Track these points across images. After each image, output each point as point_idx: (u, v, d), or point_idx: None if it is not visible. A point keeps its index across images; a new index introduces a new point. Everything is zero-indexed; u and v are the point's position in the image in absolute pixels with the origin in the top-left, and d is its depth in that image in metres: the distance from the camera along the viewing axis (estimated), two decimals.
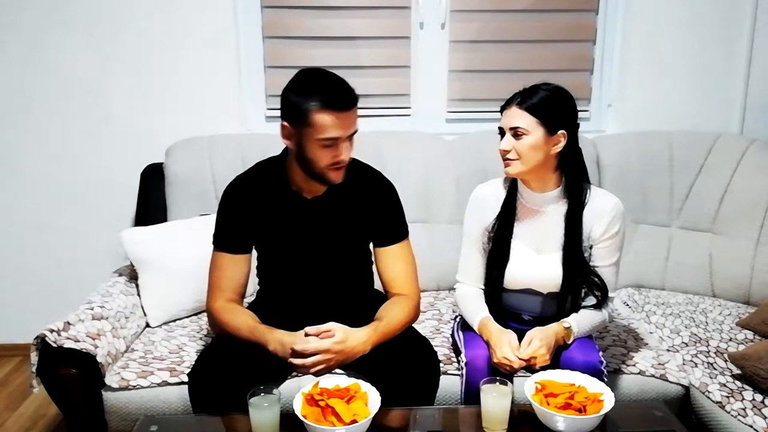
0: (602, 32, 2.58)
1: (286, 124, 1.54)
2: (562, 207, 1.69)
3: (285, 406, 1.39)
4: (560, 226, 1.69)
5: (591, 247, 1.69)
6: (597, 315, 1.69)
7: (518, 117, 1.60)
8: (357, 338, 1.54)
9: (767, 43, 2.52)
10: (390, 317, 1.63)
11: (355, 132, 1.57)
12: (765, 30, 2.51)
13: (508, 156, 1.63)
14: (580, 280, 1.68)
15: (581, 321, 1.66)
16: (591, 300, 1.70)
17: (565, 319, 1.66)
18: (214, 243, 1.69)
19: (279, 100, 1.57)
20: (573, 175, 1.68)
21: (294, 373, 1.68)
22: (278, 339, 1.53)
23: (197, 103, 2.49)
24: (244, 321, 1.61)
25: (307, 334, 1.53)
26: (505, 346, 1.56)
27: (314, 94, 1.49)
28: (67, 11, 2.38)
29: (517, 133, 1.61)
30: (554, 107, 1.61)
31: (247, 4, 2.46)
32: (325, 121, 1.49)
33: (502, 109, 1.66)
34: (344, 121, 1.51)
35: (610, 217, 1.67)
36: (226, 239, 1.68)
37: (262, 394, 1.36)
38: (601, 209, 1.67)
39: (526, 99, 1.61)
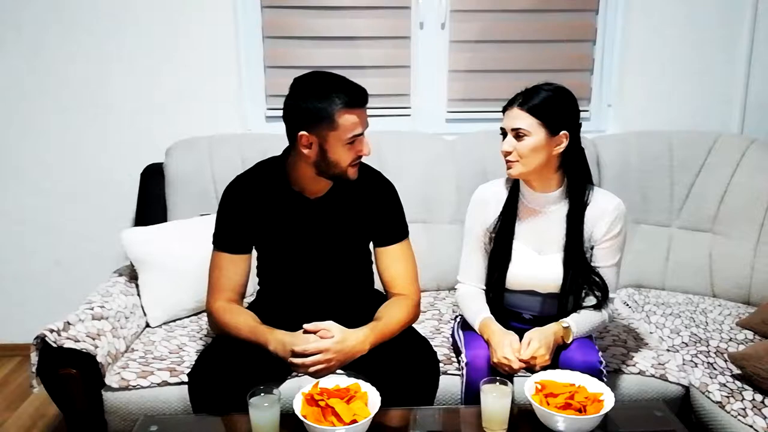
0: (602, 32, 2.58)
1: (304, 133, 1.53)
2: (563, 207, 1.69)
3: (285, 406, 1.39)
4: (562, 226, 1.68)
5: (592, 248, 1.69)
6: (596, 315, 1.69)
7: (519, 118, 1.60)
8: (355, 338, 1.54)
9: (767, 43, 2.52)
10: (389, 317, 1.63)
11: None
12: (765, 30, 2.51)
13: (510, 158, 1.63)
14: (582, 280, 1.68)
15: (580, 321, 1.66)
16: (591, 300, 1.70)
17: (564, 318, 1.65)
18: (213, 243, 1.69)
19: (280, 101, 1.56)
20: (575, 176, 1.68)
21: (294, 373, 1.68)
22: (279, 339, 1.53)
23: (197, 103, 2.48)
24: (244, 321, 1.61)
25: (305, 331, 1.53)
26: (507, 347, 1.56)
27: (336, 96, 1.50)
28: (67, 11, 2.38)
29: (518, 135, 1.60)
30: (556, 108, 1.60)
31: (247, 4, 2.46)
32: (350, 120, 1.52)
33: (504, 110, 1.65)
34: (364, 116, 1.57)
35: (612, 217, 1.66)
36: (225, 239, 1.67)
37: (262, 394, 1.36)
38: (602, 210, 1.67)
39: (528, 100, 1.60)
